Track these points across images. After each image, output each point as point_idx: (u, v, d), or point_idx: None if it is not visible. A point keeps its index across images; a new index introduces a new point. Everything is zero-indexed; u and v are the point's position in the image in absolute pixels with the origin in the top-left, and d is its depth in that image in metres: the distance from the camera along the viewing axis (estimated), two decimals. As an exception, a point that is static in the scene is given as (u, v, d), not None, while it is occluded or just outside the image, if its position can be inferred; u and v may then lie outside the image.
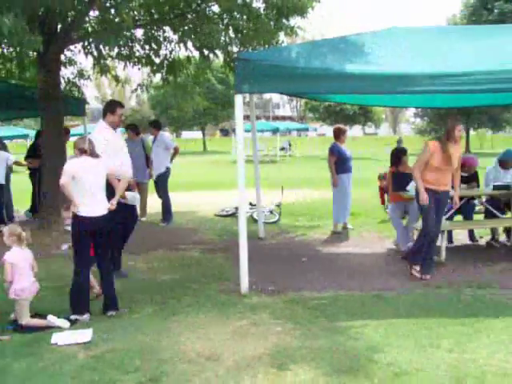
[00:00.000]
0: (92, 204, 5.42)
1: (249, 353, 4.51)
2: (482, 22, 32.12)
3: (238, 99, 6.05)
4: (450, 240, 8.64)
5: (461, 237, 9.02)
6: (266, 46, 9.83)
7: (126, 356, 4.45)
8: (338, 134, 10.05)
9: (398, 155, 8.61)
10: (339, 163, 9.83)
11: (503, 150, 8.78)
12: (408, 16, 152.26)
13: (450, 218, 8.55)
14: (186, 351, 4.57)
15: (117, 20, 8.30)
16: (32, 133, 22.36)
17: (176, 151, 11.38)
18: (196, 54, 10.41)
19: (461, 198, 7.87)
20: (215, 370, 4.19)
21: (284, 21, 9.83)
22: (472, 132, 59.05)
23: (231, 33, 9.95)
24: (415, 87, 6.00)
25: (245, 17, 9.65)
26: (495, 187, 8.16)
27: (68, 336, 4.87)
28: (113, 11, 8.39)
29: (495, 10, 33.97)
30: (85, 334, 4.88)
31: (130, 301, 5.88)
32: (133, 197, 6.81)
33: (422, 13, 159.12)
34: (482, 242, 8.84)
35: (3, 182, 10.55)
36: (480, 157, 10.50)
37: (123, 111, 6.96)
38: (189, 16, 9.60)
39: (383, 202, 10.47)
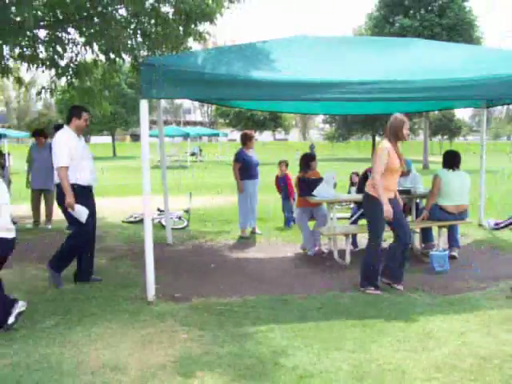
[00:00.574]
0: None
1: (155, 361, 4.45)
2: (384, 34, 33.40)
3: (144, 104, 5.95)
4: (354, 244, 8.89)
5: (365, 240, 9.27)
6: (175, 51, 9.78)
7: (26, 371, 4.26)
8: (244, 140, 10.14)
9: (307, 161, 8.78)
10: (244, 169, 9.92)
11: None
12: (318, 25, 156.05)
13: (355, 223, 8.81)
14: (90, 362, 4.44)
15: (18, 19, 7.99)
16: None
17: None
18: (103, 57, 10.20)
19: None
20: (120, 381, 4.10)
21: (193, 26, 9.81)
22: (378, 139, 61.12)
23: (139, 37, 9.82)
24: (319, 94, 6.14)
25: (153, 21, 9.55)
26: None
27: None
28: (13, 9, 8.06)
29: (396, 24, 35.42)
30: (-19, 349, 4.65)
31: (32, 311, 5.65)
32: (80, 212, 6.58)
33: (330, 23, 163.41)
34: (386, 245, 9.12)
35: None
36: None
37: (86, 116, 6.82)
38: (95, 18, 9.38)
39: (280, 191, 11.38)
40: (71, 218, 6.74)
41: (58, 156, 6.51)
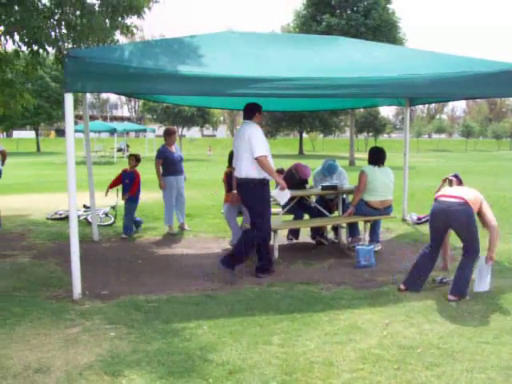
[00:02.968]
0: None
1: (81, 361, 4.34)
2: (311, 32, 33.86)
3: (68, 98, 5.77)
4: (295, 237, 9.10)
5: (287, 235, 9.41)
6: (101, 44, 9.55)
7: None
8: (165, 136, 10.07)
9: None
10: (167, 165, 9.86)
11: (325, 163, 9.23)
12: (246, 22, 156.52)
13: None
14: (13, 365, 4.28)
15: None
16: None
17: (4, 156, 10.55)
18: (25, 48, 9.84)
19: (293, 199, 8.26)
20: (44, 383, 3.98)
21: (120, 19, 9.61)
22: (305, 135, 62.07)
23: (63, 28, 9.53)
24: (244, 90, 6.14)
25: (78, 12, 9.28)
26: (323, 187, 8.60)
27: None
28: None
29: (323, 23, 35.99)
30: None
31: None
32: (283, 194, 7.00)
33: (259, 20, 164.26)
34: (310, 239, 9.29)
35: None
36: (313, 158, 11.02)
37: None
38: (15, 7, 9.02)
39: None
40: (256, 211, 6.91)
41: (257, 147, 6.68)
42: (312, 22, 37.00)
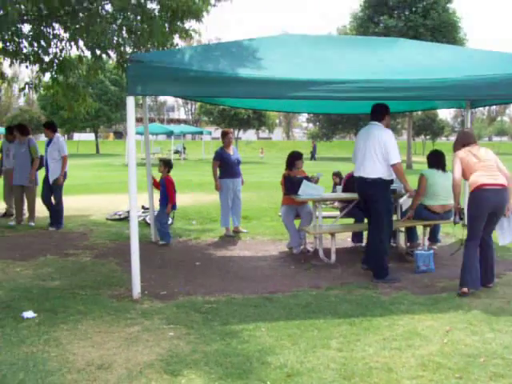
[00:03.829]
0: None
1: (141, 360, 4.42)
2: (369, 33, 33.53)
3: (130, 101, 5.91)
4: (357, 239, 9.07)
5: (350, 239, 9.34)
6: (160, 48, 9.73)
7: (9, 369, 4.20)
8: (221, 137, 10.18)
9: (293, 159, 8.79)
10: (224, 167, 9.91)
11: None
12: (303, 24, 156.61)
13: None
14: (76, 361, 4.40)
15: (0, 13, 7.89)
16: None
17: (64, 161, 10.50)
18: (88, 53, 10.12)
19: (351, 202, 8.24)
20: (106, 379, 4.07)
21: (179, 23, 9.77)
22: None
23: (124, 33, 9.75)
24: (303, 93, 6.14)
25: (139, 17, 9.48)
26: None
27: None
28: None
29: (381, 24, 35.57)
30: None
31: (15, 309, 5.60)
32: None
33: (315, 22, 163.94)
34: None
35: None
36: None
37: None
38: (80, 14, 9.29)
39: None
40: (378, 210, 6.99)
41: (394, 154, 6.86)
42: (369, 24, 36.62)
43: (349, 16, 39.13)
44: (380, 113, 7.11)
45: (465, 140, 6.65)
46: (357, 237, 9.17)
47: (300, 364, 4.34)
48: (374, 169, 6.91)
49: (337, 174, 10.22)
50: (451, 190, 7.74)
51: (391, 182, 7.13)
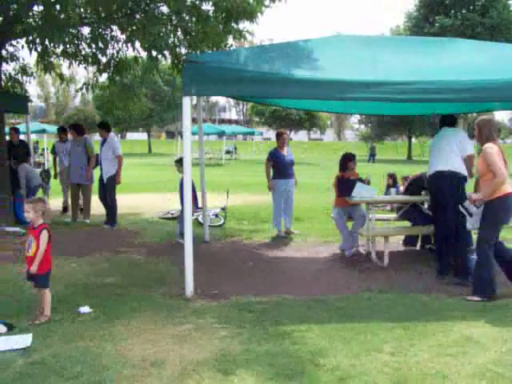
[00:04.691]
0: None
1: (194, 358, 4.46)
2: (423, 33, 33.00)
3: (186, 101, 5.98)
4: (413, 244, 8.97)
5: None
6: (215, 48, 9.81)
7: (68, 362, 4.32)
8: (276, 138, 10.20)
9: (345, 161, 8.71)
10: (277, 168, 9.89)
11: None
12: (354, 24, 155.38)
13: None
14: (130, 356, 4.47)
15: (62, 16, 8.11)
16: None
17: (119, 160, 10.77)
18: (144, 54, 10.29)
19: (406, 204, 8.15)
20: (160, 376, 4.12)
21: (233, 24, 9.83)
22: (414, 140, 60.48)
23: (180, 34, 9.88)
24: (358, 94, 6.09)
25: (194, 19, 9.59)
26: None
27: (4, 342, 4.68)
28: (58, 7, 8.19)
29: (436, 24, 34.93)
30: (23, 340, 4.70)
31: (72, 304, 5.74)
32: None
33: (367, 22, 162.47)
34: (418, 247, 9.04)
35: None
36: (422, 164, 10.74)
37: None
38: (137, 16, 9.47)
39: None
40: (450, 205, 7.11)
41: (470, 147, 7.47)
42: (424, 24, 36.04)
43: (403, 16, 38.65)
44: (454, 121, 7.73)
45: (496, 131, 6.56)
46: (409, 240, 9.02)
47: (352, 367, 4.30)
48: (454, 164, 7.26)
49: (391, 176, 10.09)
50: None
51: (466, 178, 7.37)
